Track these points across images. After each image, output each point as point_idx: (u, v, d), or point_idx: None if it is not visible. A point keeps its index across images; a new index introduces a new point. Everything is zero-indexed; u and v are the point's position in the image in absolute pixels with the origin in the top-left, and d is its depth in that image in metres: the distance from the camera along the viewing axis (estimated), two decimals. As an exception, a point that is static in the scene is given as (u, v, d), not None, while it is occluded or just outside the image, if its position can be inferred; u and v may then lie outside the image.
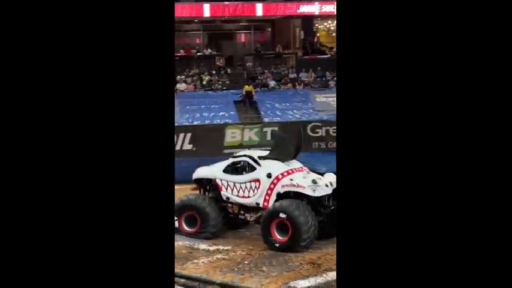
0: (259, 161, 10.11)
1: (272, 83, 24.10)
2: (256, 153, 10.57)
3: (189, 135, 18.73)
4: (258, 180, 9.96)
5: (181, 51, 27.41)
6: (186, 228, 10.20)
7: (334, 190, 9.70)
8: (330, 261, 8.70)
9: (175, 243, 9.17)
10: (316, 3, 24.54)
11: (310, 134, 18.58)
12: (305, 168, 10.34)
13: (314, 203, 9.76)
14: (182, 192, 10.47)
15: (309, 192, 9.63)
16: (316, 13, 25.10)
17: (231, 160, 10.48)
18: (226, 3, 24.32)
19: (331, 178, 9.95)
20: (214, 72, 25.25)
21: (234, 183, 10.14)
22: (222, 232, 10.44)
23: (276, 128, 17.18)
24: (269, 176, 9.92)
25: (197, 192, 10.92)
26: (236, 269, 8.37)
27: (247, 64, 26.80)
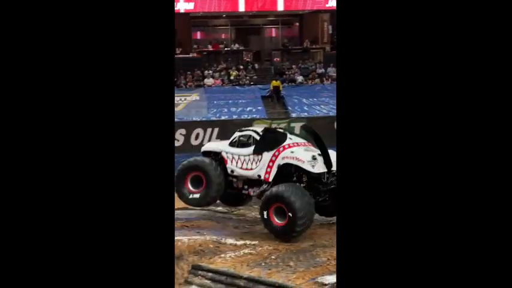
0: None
1: (300, 78, 24.03)
2: (262, 127, 10.75)
3: (216, 130, 18.80)
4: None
5: (209, 46, 27.49)
6: (191, 188, 10.46)
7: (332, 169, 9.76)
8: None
9: (203, 237, 9.24)
10: (345, -3, 24.33)
11: (337, 129, 18.46)
12: (308, 143, 10.42)
13: (313, 180, 9.86)
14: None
15: (308, 167, 9.75)
16: (345, 7, 24.88)
17: (237, 134, 10.67)
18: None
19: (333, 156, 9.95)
20: (241, 67, 25.26)
21: (239, 155, 10.36)
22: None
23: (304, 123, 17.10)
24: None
25: None
26: (263, 264, 8.38)
27: (275, 59, 26.75)
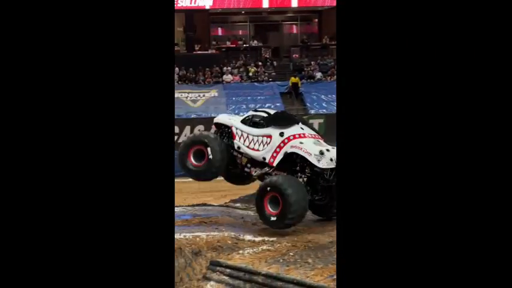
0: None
1: (318, 75, 23.97)
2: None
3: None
4: (270, 136, 10.09)
5: (228, 42, 27.53)
6: (193, 161, 10.42)
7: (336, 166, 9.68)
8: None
9: (221, 234, 9.25)
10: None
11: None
12: (318, 136, 10.37)
13: (315, 174, 9.87)
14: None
15: (313, 161, 9.70)
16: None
17: (251, 113, 10.69)
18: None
19: (335, 153, 9.94)
20: (260, 63, 25.27)
21: (248, 134, 10.32)
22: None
23: (322, 120, 17.07)
24: (281, 134, 10.04)
25: None
26: (281, 260, 8.37)
27: (294, 56, 26.71)
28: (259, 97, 22.44)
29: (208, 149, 10.24)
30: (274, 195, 9.52)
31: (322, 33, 26.91)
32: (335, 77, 23.64)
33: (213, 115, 20.96)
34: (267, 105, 21.85)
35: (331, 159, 9.72)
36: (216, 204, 12.11)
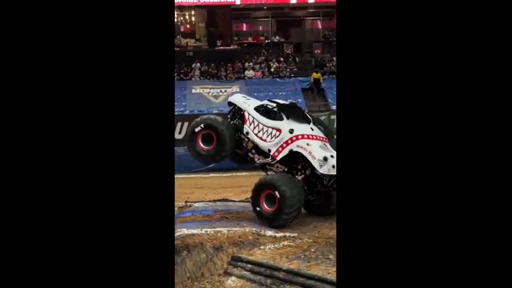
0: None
1: (340, 71, 23.84)
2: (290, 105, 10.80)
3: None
4: (280, 130, 10.18)
5: (250, 38, 27.51)
6: (202, 145, 10.51)
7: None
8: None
9: (243, 229, 9.26)
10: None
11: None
12: (326, 139, 10.42)
13: (315, 177, 9.97)
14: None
15: (316, 165, 9.84)
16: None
17: (266, 102, 10.73)
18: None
19: None
20: (282, 59, 25.21)
21: (259, 122, 10.40)
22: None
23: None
24: (291, 131, 10.12)
25: None
26: (302, 256, 8.35)
27: (316, 51, 26.60)
28: (280, 93, 22.40)
29: (217, 132, 10.34)
30: (269, 193, 9.68)
31: (344, 28, 26.77)
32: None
33: (234, 111, 21.07)
34: (289, 101, 21.79)
35: (333, 166, 9.83)
36: (237, 200, 12.13)
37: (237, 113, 10.82)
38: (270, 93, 22.09)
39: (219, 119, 10.66)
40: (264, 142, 10.30)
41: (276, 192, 9.51)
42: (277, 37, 27.18)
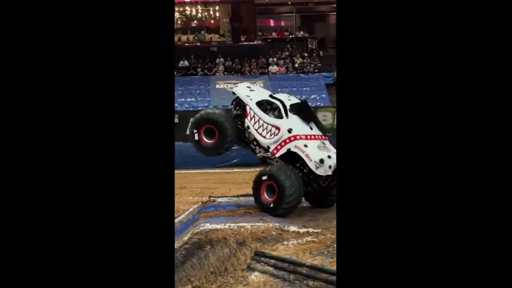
0: (288, 113, 10.38)
1: (365, 66, 23.69)
2: (291, 102, 10.68)
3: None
4: (279, 128, 10.24)
5: (274, 33, 27.47)
6: (205, 139, 10.66)
7: (333, 172, 9.96)
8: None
9: (266, 224, 9.26)
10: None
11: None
12: (325, 138, 10.47)
13: (312, 176, 10.08)
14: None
15: (312, 167, 9.92)
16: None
17: (267, 97, 10.74)
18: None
19: (335, 161, 10.04)
20: (306, 54, 25.13)
21: (259, 118, 10.47)
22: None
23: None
24: (289, 131, 10.18)
25: None
26: (326, 252, 8.32)
27: (340, 46, 26.44)
28: (304, 88, 22.35)
29: (218, 126, 10.46)
30: (270, 183, 9.84)
31: (369, 23, 26.59)
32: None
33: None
34: (313, 96, 21.75)
35: (330, 167, 9.95)
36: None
37: (240, 104, 10.91)
38: (294, 89, 22.06)
39: (218, 111, 10.83)
40: (263, 139, 10.44)
41: (276, 183, 9.68)
42: (302, 32, 27.10)
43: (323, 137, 10.45)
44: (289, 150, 10.16)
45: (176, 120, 19.37)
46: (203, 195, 14.12)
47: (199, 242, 8.82)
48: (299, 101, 10.77)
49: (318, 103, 21.05)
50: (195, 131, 10.68)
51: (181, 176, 17.78)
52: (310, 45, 26.54)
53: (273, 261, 8.12)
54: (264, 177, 9.89)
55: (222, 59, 24.53)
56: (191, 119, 10.93)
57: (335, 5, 27.28)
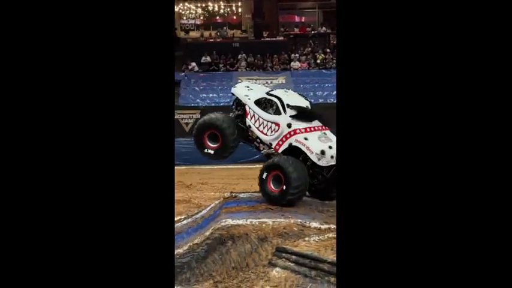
0: (286, 109, 10.49)
1: (388, 62, 23.53)
2: (288, 98, 10.77)
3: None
4: (278, 125, 10.44)
5: (296, 29, 27.39)
6: (209, 144, 10.92)
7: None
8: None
9: (288, 220, 9.26)
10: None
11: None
12: (326, 128, 10.58)
13: (315, 168, 10.24)
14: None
15: (314, 159, 10.12)
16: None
17: (265, 95, 10.85)
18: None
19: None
20: (328, 50, 25.02)
21: (259, 116, 10.67)
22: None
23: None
24: (289, 126, 10.36)
25: None
26: (347, 249, 8.33)
27: (363, 42, 26.28)
28: (326, 84, 22.26)
29: (221, 131, 10.67)
30: (276, 173, 10.02)
31: (392, 19, 26.39)
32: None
33: (280, 102, 21.04)
34: (334, 92, 21.62)
35: (332, 157, 10.09)
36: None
37: (240, 104, 11.06)
38: (316, 85, 22.01)
39: (219, 116, 10.96)
40: (265, 136, 10.63)
41: (283, 173, 9.83)
42: (324, 28, 26.97)
43: (324, 128, 10.61)
44: (290, 145, 10.36)
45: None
46: (225, 190, 14.15)
47: (221, 238, 8.85)
48: (298, 102, 10.82)
49: (340, 99, 20.97)
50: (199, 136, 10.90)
51: (203, 171, 17.86)
52: (332, 41, 26.40)
53: (294, 257, 8.13)
54: (271, 168, 10.04)
55: (244, 55, 24.53)
56: (195, 126, 11.22)
57: (358, 1, 27.22)
